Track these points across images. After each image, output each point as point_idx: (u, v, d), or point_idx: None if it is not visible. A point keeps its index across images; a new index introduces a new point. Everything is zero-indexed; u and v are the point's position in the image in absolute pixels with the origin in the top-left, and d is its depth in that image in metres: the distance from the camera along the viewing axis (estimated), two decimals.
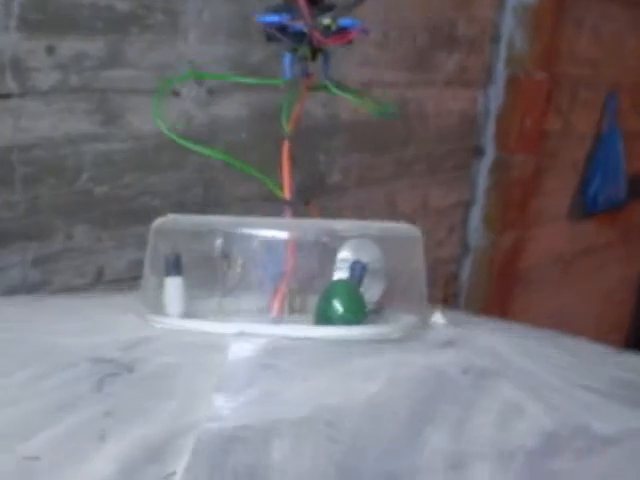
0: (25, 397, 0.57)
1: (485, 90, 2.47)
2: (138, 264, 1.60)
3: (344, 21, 0.73)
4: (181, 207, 1.65)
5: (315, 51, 0.74)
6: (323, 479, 0.48)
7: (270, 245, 0.77)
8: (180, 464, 0.48)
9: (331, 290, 0.72)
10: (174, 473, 0.47)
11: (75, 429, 0.52)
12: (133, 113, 1.52)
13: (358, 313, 0.72)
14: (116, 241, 1.56)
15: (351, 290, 0.73)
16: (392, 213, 2.25)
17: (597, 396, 0.70)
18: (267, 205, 1.82)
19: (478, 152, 2.53)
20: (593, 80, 2.98)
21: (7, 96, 1.34)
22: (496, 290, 2.74)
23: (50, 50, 1.37)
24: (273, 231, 0.76)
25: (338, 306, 0.71)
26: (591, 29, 2.84)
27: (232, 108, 1.70)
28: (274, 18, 0.72)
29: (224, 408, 0.54)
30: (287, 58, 0.75)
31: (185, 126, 1.60)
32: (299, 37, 0.72)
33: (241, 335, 0.66)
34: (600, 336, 3.73)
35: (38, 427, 0.53)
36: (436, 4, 2.17)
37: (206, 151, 0.86)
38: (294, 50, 0.74)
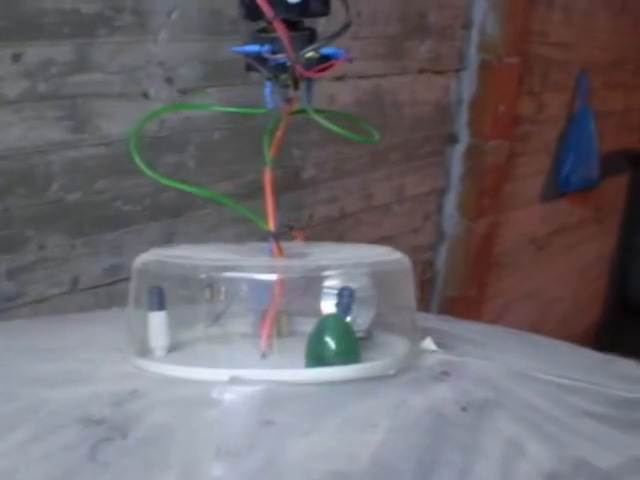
0: (21, 467, 0.54)
1: (458, 77, 2.45)
2: (113, 270, 1.58)
3: (326, 50, 0.70)
4: (155, 211, 1.62)
5: (297, 79, 0.72)
6: None
7: (255, 285, 0.75)
8: None
9: (322, 327, 0.70)
10: None
11: None
12: (103, 118, 1.48)
13: (351, 350, 0.70)
14: (90, 248, 1.53)
15: (342, 326, 0.71)
16: (367, 204, 2.23)
17: (598, 423, 0.69)
18: (241, 203, 1.80)
19: (452, 139, 2.52)
20: (564, 61, 2.97)
21: None
22: (472, 275, 2.74)
23: (16, 57, 1.33)
24: (258, 274, 0.74)
25: (331, 344, 0.69)
26: (562, 9, 2.82)
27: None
28: (254, 48, 0.69)
29: None
30: (268, 88, 0.72)
31: (157, 129, 1.56)
32: (280, 68, 0.70)
33: (232, 383, 0.64)
34: (578, 310, 3.78)
35: None
36: None
37: (191, 189, 0.82)
38: (275, 78, 0.71)
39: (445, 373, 0.73)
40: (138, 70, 1.52)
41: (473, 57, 2.43)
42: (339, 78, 1.97)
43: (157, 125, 1.58)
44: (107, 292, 1.58)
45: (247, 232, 1.56)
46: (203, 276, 0.75)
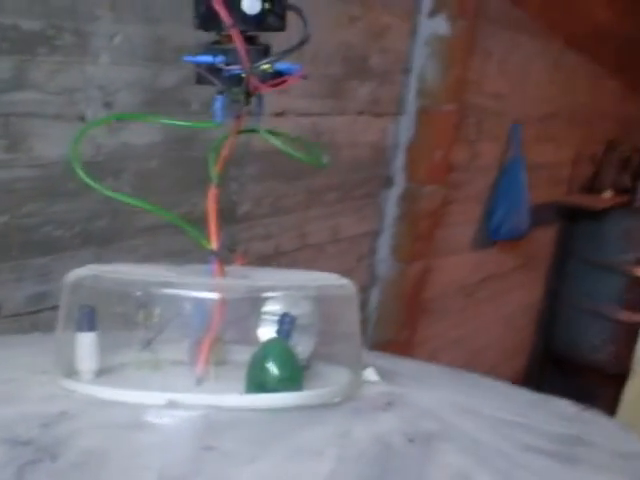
0: None
1: (396, 121, 2.47)
2: (39, 298, 1.52)
3: (281, 65, 0.69)
4: (86, 238, 1.57)
5: (249, 94, 0.70)
6: None
7: (194, 304, 0.72)
8: None
9: (264, 352, 0.67)
10: None
11: None
12: (38, 139, 1.44)
13: (295, 377, 0.67)
14: (16, 273, 1.47)
15: (285, 351, 0.68)
16: (302, 242, 2.21)
17: (542, 457, 0.69)
18: (175, 235, 1.76)
19: (388, 182, 2.53)
20: (498, 111, 3.03)
21: None
22: (404, 319, 2.74)
23: None
24: (198, 292, 0.71)
25: (274, 370, 0.66)
26: (498, 60, 2.88)
27: (143, 134, 1.63)
28: (207, 59, 0.67)
29: None
30: (218, 101, 0.70)
31: (93, 154, 1.52)
32: (233, 80, 0.68)
33: (169, 406, 0.61)
34: (505, 358, 3.80)
35: None
36: (349, 34, 2.16)
37: (134, 202, 0.79)
38: (226, 92, 0.69)
39: (389, 404, 0.71)
40: (76, 92, 1.48)
41: (412, 102, 2.45)
42: (279, 114, 1.96)
43: (94, 150, 1.54)
44: (31, 320, 1.52)
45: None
46: (139, 293, 0.72)
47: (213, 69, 0.68)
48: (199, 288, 0.71)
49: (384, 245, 2.61)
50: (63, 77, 1.45)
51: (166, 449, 0.55)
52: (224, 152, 0.76)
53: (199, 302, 0.71)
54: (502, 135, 3.13)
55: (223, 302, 0.71)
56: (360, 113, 2.30)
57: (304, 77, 0.71)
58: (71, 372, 0.72)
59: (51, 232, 1.50)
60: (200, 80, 0.69)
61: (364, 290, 2.63)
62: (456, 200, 2.95)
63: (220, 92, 0.70)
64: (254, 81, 0.66)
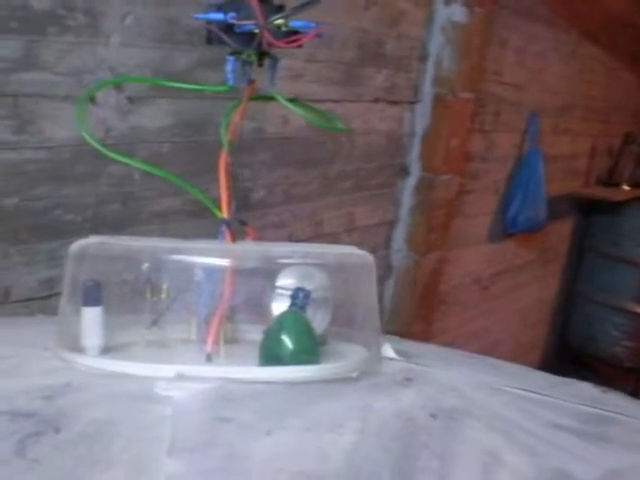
0: None
1: (412, 109, 2.43)
2: (49, 283, 1.49)
3: (295, 23, 0.65)
4: (97, 223, 1.54)
5: (262, 55, 0.66)
6: None
7: (204, 272, 0.68)
8: None
9: (280, 324, 0.64)
10: None
11: None
12: (47, 120, 1.41)
13: (311, 350, 0.64)
14: (26, 257, 1.44)
15: (302, 323, 0.65)
16: (317, 231, 2.18)
17: (570, 436, 0.66)
18: (188, 221, 1.73)
19: (403, 171, 2.49)
20: (516, 102, 2.98)
21: None
22: (419, 311, 2.71)
23: None
24: (208, 258, 0.67)
25: (288, 343, 0.63)
26: (516, 50, 2.84)
27: (155, 117, 1.60)
28: (218, 16, 0.64)
29: (183, 479, 0.44)
30: (230, 63, 0.66)
31: (102, 137, 1.49)
32: (245, 39, 0.64)
33: (179, 379, 0.57)
34: (520, 354, 3.78)
35: None
36: (365, 21, 2.12)
37: (140, 165, 0.76)
38: (238, 54, 0.66)
39: (409, 379, 0.68)
40: (87, 73, 1.45)
41: (428, 90, 2.42)
42: (293, 100, 1.93)
43: (103, 133, 1.51)
44: (41, 306, 1.49)
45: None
46: (146, 261, 0.69)
47: (225, 28, 0.65)
48: (209, 254, 0.68)
49: (399, 235, 2.58)
50: (73, 58, 1.42)
51: (177, 420, 0.52)
52: (236, 118, 0.72)
53: (209, 269, 0.68)
54: (519, 126, 3.09)
55: (234, 269, 0.68)
56: (375, 100, 2.27)
57: (319, 35, 0.67)
58: (76, 347, 0.69)
59: (61, 216, 1.47)
60: (211, 40, 0.66)
61: (379, 281, 2.59)
62: (472, 191, 2.91)
63: (232, 53, 0.66)
64: (268, 37, 0.63)
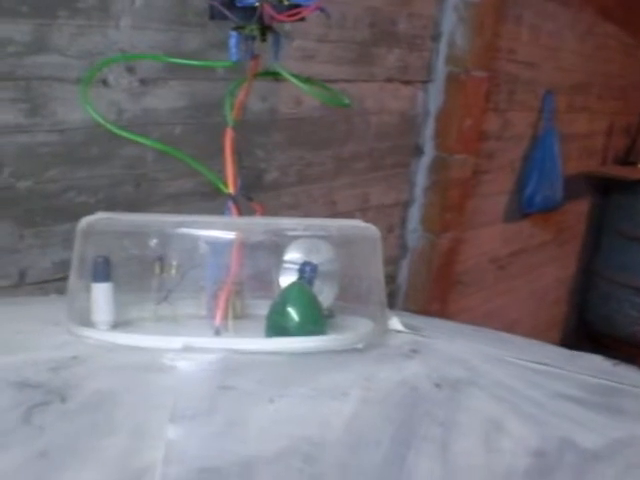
0: None
1: (425, 88, 2.42)
2: (64, 265, 1.50)
3: None
4: (110, 204, 1.55)
5: (264, 30, 0.67)
6: None
7: (211, 246, 0.69)
8: None
9: (285, 297, 0.65)
10: None
11: (7, 473, 0.43)
12: (59, 103, 1.42)
13: (316, 321, 0.64)
14: (41, 240, 1.46)
15: (307, 296, 0.65)
16: (331, 211, 2.18)
17: (574, 405, 0.66)
18: (201, 203, 1.74)
19: (417, 151, 2.49)
20: (530, 80, 2.96)
21: None
22: (434, 291, 2.71)
23: None
24: (215, 231, 0.68)
25: (294, 315, 0.63)
26: (530, 28, 2.82)
27: (167, 99, 1.61)
28: None
29: (184, 444, 0.45)
30: (233, 38, 0.67)
31: (115, 119, 1.50)
32: (247, 13, 0.65)
33: (186, 350, 0.58)
34: (536, 335, 3.76)
35: None
36: (377, 0, 2.12)
37: (146, 141, 0.77)
38: (241, 28, 0.66)
39: (414, 351, 0.68)
40: (98, 56, 1.45)
41: (441, 69, 2.40)
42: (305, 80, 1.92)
43: (116, 115, 1.52)
44: (56, 287, 1.50)
45: None
46: (154, 241, 0.70)
47: (227, 3, 0.65)
48: (215, 227, 0.68)
49: (414, 216, 2.57)
50: (85, 41, 1.43)
51: (181, 389, 0.53)
52: (241, 95, 0.73)
53: (216, 243, 0.68)
54: (534, 104, 3.07)
55: (241, 242, 0.68)
56: (389, 80, 2.26)
57: (321, 9, 0.67)
58: (86, 323, 0.70)
59: (74, 198, 1.49)
60: (214, 15, 0.66)
61: (394, 261, 2.60)
62: (488, 170, 2.90)
63: (235, 28, 0.67)
64: (269, 10, 0.63)
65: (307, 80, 0.75)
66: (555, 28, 2.98)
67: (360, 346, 0.64)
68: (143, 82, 1.55)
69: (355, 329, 0.69)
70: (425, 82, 2.42)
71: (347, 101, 0.77)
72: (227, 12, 0.64)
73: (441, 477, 0.48)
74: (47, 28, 1.36)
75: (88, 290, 0.70)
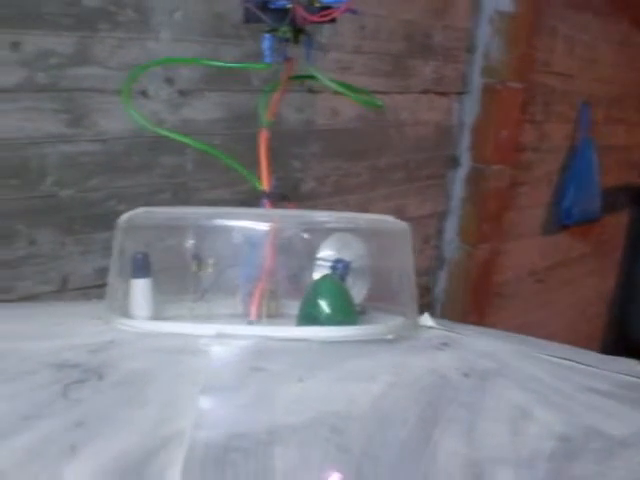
0: None
1: (461, 100, 2.43)
2: (105, 271, 1.53)
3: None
4: None
5: (297, 32, 0.69)
6: None
7: (247, 238, 0.71)
8: (173, 477, 0.42)
9: (316, 288, 0.67)
10: None
11: (43, 441, 0.46)
12: (101, 114, 1.46)
13: (347, 313, 0.66)
14: (82, 247, 1.49)
15: (338, 288, 0.67)
16: None
17: (602, 398, 0.66)
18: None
19: (453, 162, 2.50)
20: (567, 91, 2.96)
21: None
22: (472, 302, 2.70)
23: (15, 46, 1.31)
24: (250, 222, 0.70)
25: (325, 306, 0.65)
26: (565, 39, 2.82)
27: (205, 110, 1.64)
28: None
29: (214, 413, 0.47)
30: (267, 40, 0.69)
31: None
32: (280, 15, 0.67)
33: (219, 337, 0.60)
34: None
35: (1, 438, 0.47)
36: (412, 12, 2.14)
37: (180, 137, 0.79)
38: (274, 31, 0.68)
39: (445, 344, 0.70)
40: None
41: (476, 80, 2.42)
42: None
43: (157, 125, 1.55)
44: (98, 294, 1.53)
45: None
46: (191, 242, 0.72)
47: (260, 5, 0.67)
48: (248, 218, 0.70)
49: (451, 227, 2.58)
50: (125, 53, 1.47)
51: (213, 369, 0.55)
52: (276, 97, 0.75)
53: (250, 241, 0.71)
54: (571, 116, 3.06)
55: (274, 235, 0.71)
56: (424, 92, 2.28)
57: (353, 10, 0.69)
58: (125, 315, 0.72)
59: (115, 206, 1.52)
60: (248, 18, 0.69)
61: (431, 272, 2.60)
62: (525, 182, 2.89)
63: (268, 31, 0.69)
64: (300, 12, 0.65)
65: (340, 83, 0.77)
66: (590, 39, 2.97)
67: (390, 337, 0.66)
68: (182, 93, 1.59)
69: (386, 321, 0.70)
70: (461, 94, 2.43)
71: (380, 102, 0.78)
72: (261, 14, 0.66)
73: (465, 455, 0.49)
74: (88, 41, 1.40)
75: (127, 284, 0.72)
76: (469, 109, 2.45)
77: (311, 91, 1.86)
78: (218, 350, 0.57)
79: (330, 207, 2.06)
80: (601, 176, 3.22)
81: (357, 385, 0.55)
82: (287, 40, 0.70)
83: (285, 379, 0.54)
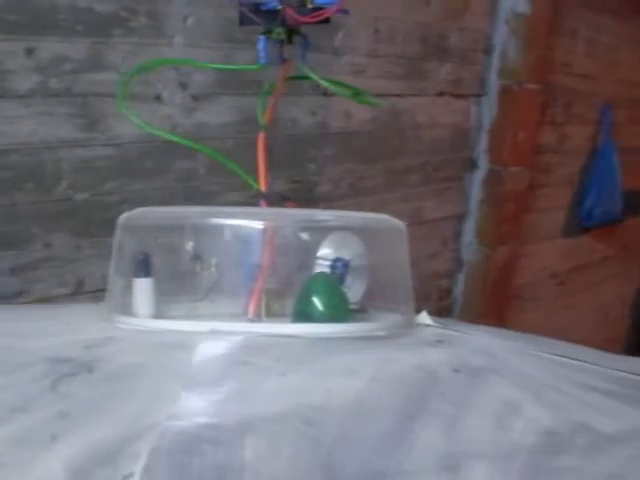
0: None
1: (478, 102, 2.43)
2: None
3: (320, 0, 0.69)
4: None
5: (291, 33, 0.70)
6: None
7: (245, 237, 0.72)
8: (138, 465, 0.43)
9: (310, 286, 0.67)
10: (132, 475, 0.43)
11: (26, 430, 0.48)
12: (115, 118, 1.47)
13: (340, 309, 0.67)
14: (97, 250, 1.51)
15: (331, 285, 0.68)
16: None
17: (599, 395, 0.66)
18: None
19: (471, 165, 2.50)
20: (588, 93, 2.94)
21: None
22: (491, 305, 2.69)
23: (29, 52, 1.33)
24: (250, 221, 0.71)
25: (318, 303, 0.66)
26: (585, 41, 2.81)
27: (218, 114, 1.66)
28: None
29: (191, 406, 0.49)
30: (261, 42, 0.70)
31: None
32: (272, 17, 0.68)
33: (212, 333, 0.61)
34: None
35: None
36: (427, 15, 2.14)
37: (178, 139, 0.81)
38: (269, 33, 0.69)
39: (439, 342, 0.70)
40: (151, 73, 1.51)
41: (494, 82, 2.41)
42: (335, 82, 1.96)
43: (169, 129, 1.57)
44: None
45: None
46: (190, 244, 0.73)
47: (254, 9, 0.68)
48: (248, 217, 0.71)
49: (469, 229, 2.58)
50: (138, 58, 1.48)
51: (200, 363, 0.56)
52: (273, 99, 0.76)
53: (247, 234, 0.71)
54: (592, 118, 3.04)
55: (273, 234, 0.71)
56: (440, 94, 2.28)
57: (344, 11, 0.70)
58: (126, 314, 0.73)
59: (129, 210, 1.53)
60: (243, 20, 0.70)
61: (450, 275, 2.60)
62: (545, 184, 2.88)
63: (263, 33, 0.70)
64: (290, 13, 0.66)
65: (336, 82, 0.78)
66: (611, 41, 2.96)
67: (382, 334, 0.66)
68: (195, 98, 1.61)
69: (381, 319, 0.71)
70: (478, 96, 2.43)
71: (375, 101, 0.79)
72: (254, 17, 0.67)
73: (443, 447, 0.49)
74: (102, 46, 1.42)
75: (127, 283, 0.74)
76: (487, 111, 2.45)
77: (325, 94, 1.87)
78: (208, 345, 0.58)
79: (345, 209, 2.06)
80: (623, 178, 3.20)
81: (338, 379, 0.55)
82: (282, 41, 0.71)
83: (268, 373, 0.55)
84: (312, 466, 0.45)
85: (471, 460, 0.48)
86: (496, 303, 2.75)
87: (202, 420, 0.47)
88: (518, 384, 0.63)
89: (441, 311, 2.57)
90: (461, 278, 2.63)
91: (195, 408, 0.49)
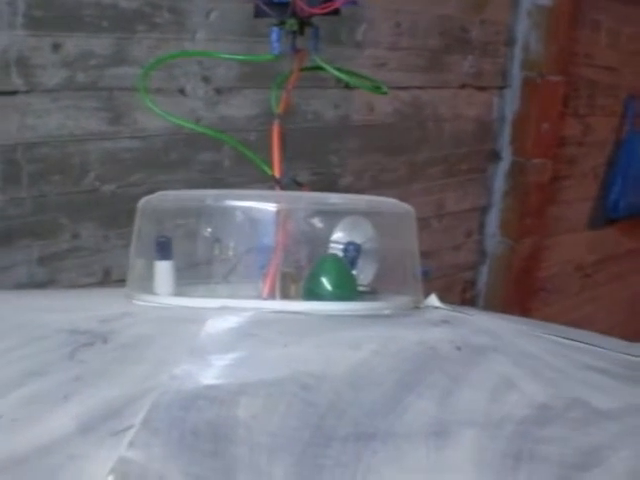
0: None
1: (501, 94, 2.44)
2: None
3: None
4: None
5: (303, 24, 0.73)
6: (294, 438, 0.47)
7: (261, 219, 0.75)
8: (138, 418, 0.47)
9: (319, 266, 0.70)
10: (131, 426, 0.46)
11: (41, 391, 0.52)
12: (140, 111, 1.51)
13: (347, 289, 0.70)
14: (124, 240, 1.55)
15: (340, 266, 0.71)
16: None
17: (597, 374, 0.67)
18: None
19: (494, 156, 2.51)
20: (611, 85, 2.94)
21: (13, 93, 1.35)
22: (515, 297, 2.70)
23: (56, 47, 1.37)
24: (263, 203, 0.74)
25: (326, 283, 0.69)
26: (608, 32, 2.81)
27: (242, 107, 1.69)
28: None
29: (194, 370, 0.52)
30: (274, 33, 0.73)
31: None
32: (284, 9, 0.71)
33: (224, 309, 0.64)
34: None
35: (5, 391, 0.52)
36: (448, 7, 2.16)
37: (196, 127, 0.84)
38: (281, 24, 0.72)
39: (445, 322, 0.72)
40: (175, 67, 1.55)
41: (516, 74, 2.43)
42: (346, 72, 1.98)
43: (194, 122, 1.60)
44: None
45: None
46: (208, 230, 0.76)
47: (269, 1, 0.71)
48: (263, 199, 0.74)
49: (492, 221, 2.59)
50: (162, 53, 1.52)
51: (208, 334, 0.59)
52: (287, 89, 0.79)
53: (263, 216, 0.74)
54: (616, 109, 3.04)
55: (285, 216, 0.74)
56: (462, 86, 2.29)
57: (353, 2, 0.73)
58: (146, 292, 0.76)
59: None
60: (258, 13, 0.73)
61: (474, 267, 2.61)
62: (569, 176, 2.88)
63: (276, 24, 0.73)
64: (300, 4, 0.69)
65: (348, 72, 0.81)
66: (635, 32, 2.95)
67: (388, 312, 0.69)
68: (218, 91, 1.64)
69: (389, 300, 0.73)
70: (500, 88, 2.44)
71: (385, 89, 0.81)
72: (267, 9, 0.70)
73: (434, 415, 0.52)
74: (126, 42, 1.46)
75: (147, 265, 0.77)
76: (509, 103, 2.46)
77: (347, 87, 1.90)
78: (218, 319, 0.62)
79: None
80: None
81: (339, 351, 0.58)
82: (295, 33, 0.74)
83: (271, 345, 0.58)
84: (303, 425, 0.48)
85: (461, 427, 0.51)
86: (520, 295, 2.76)
87: (202, 381, 0.51)
88: (518, 362, 0.65)
89: (465, 303, 2.59)
90: (485, 270, 2.64)
91: (197, 371, 0.52)
